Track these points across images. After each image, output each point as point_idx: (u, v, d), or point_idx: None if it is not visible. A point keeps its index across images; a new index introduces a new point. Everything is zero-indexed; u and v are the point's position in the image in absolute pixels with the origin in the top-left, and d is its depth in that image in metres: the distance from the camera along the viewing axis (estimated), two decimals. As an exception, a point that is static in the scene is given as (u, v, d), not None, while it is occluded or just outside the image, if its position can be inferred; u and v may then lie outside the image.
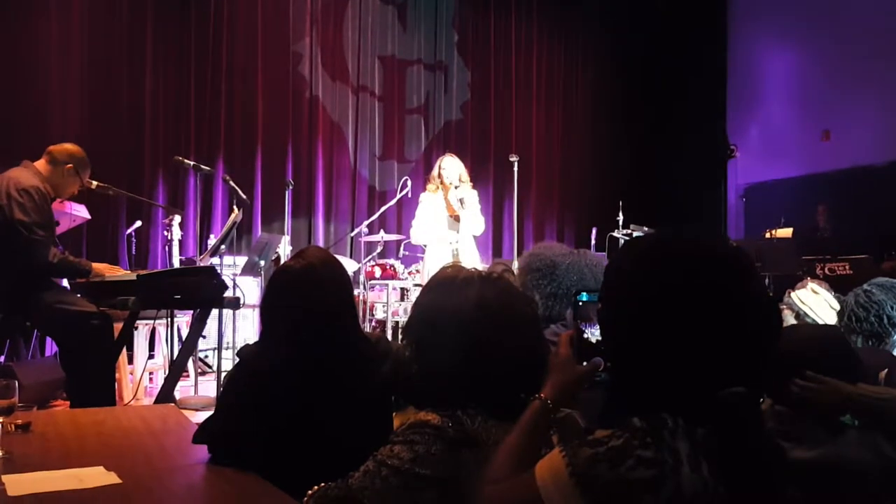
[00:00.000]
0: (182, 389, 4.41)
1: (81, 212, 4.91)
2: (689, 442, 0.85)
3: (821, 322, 2.81)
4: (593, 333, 1.17)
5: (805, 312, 2.92)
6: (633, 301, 0.94)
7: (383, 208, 6.19)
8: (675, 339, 0.89)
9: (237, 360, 1.95)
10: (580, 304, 1.21)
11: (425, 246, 5.41)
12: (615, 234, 6.39)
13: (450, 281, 1.32)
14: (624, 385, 0.96)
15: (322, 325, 1.75)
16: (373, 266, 5.68)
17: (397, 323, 5.59)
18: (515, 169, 5.35)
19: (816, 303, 2.91)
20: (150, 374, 4.83)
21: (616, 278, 0.99)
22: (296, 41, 7.13)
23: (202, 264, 4.38)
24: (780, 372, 1.16)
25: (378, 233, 5.97)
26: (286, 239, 5.73)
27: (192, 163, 4.57)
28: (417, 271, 5.72)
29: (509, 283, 1.33)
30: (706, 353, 0.89)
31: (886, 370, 1.92)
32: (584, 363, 1.13)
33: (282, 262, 5.69)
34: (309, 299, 1.74)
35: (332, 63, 7.36)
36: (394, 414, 1.77)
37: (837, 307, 2.78)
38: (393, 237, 6.16)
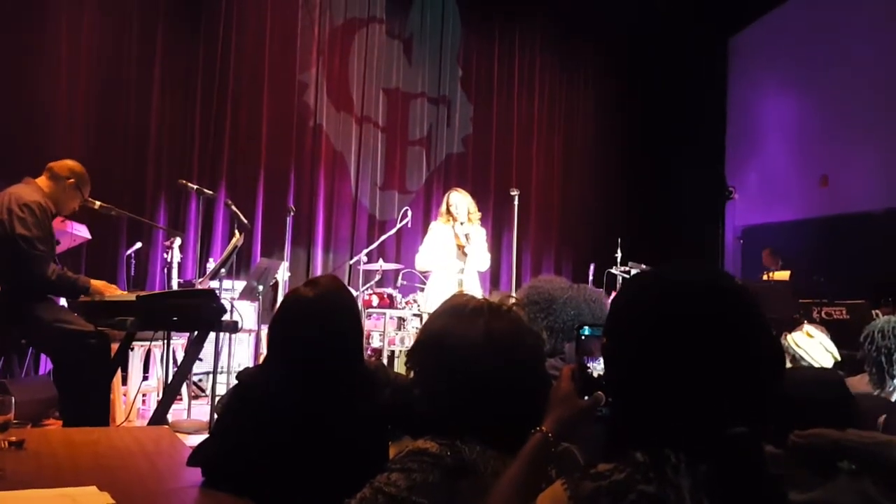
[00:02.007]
0: (175, 412, 4.38)
1: (82, 232, 4.93)
2: (691, 478, 0.85)
3: (816, 366, 2.82)
4: (595, 368, 1.18)
5: (801, 356, 2.92)
6: (637, 335, 0.95)
7: (383, 237, 6.21)
8: (679, 373, 0.90)
9: (236, 382, 1.94)
10: (582, 337, 1.21)
11: (426, 275, 5.42)
12: (613, 270, 6.42)
13: (459, 309, 1.33)
14: (626, 419, 0.96)
15: (327, 354, 1.76)
16: (370, 295, 5.68)
17: (393, 352, 5.58)
18: (516, 203, 5.39)
19: (812, 346, 2.91)
20: (144, 395, 4.80)
21: (621, 312, 1.00)
22: (302, 71, 7.24)
23: (201, 287, 4.39)
24: (778, 414, 1.17)
25: (377, 262, 5.98)
26: (285, 265, 5.74)
27: (195, 186, 4.60)
28: (415, 301, 5.72)
29: (518, 315, 1.34)
30: (709, 389, 0.90)
31: (885, 416, 1.92)
32: (586, 398, 1.14)
33: (280, 287, 5.74)
34: (317, 328, 1.75)
35: (337, 93, 7.46)
36: (390, 443, 1.77)
37: (834, 351, 2.79)
38: (392, 266, 6.18)
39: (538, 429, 1.14)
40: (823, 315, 6.00)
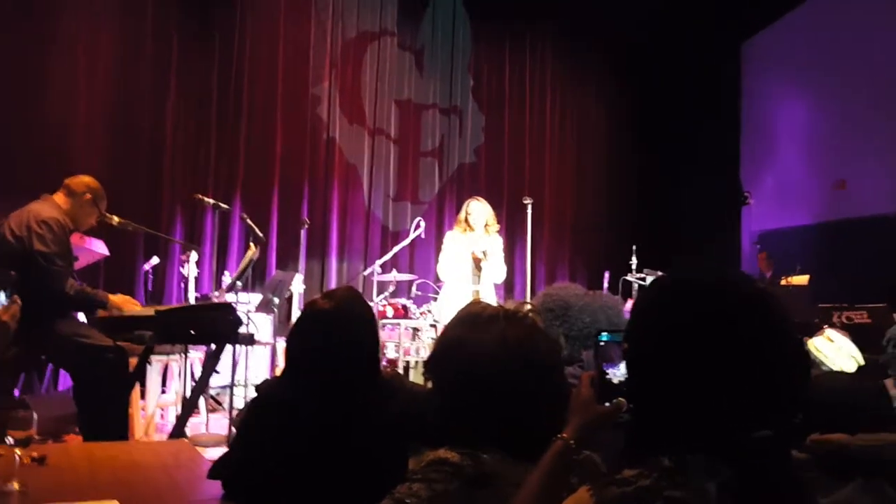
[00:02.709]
0: (192, 426, 4.39)
1: (100, 248, 4.97)
2: (717, 483, 0.84)
3: (836, 370, 2.78)
4: (615, 374, 1.17)
5: (821, 361, 2.88)
6: (659, 339, 0.94)
7: (396, 248, 6.22)
8: (702, 377, 0.90)
9: (255, 394, 1.95)
10: (601, 343, 1.20)
11: (439, 285, 5.42)
12: (629, 278, 6.38)
13: (476, 317, 1.33)
14: (649, 425, 0.95)
15: (344, 364, 1.76)
16: (385, 305, 5.68)
17: (408, 363, 5.57)
18: (529, 211, 5.38)
19: (833, 351, 2.87)
20: (162, 410, 4.82)
21: (643, 317, 1.00)
22: (315, 84, 7.29)
23: (218, 300, 4.41)
24: (811, 420, 1.16)
25: (391, 272, 5.99)
26: (299, 277, 5.76)
27: (211, 201, 4.64)
28: (429, 311, 5.72)
29: (534, 322, 1.34)
30: (734, 393, 0.89)
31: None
32: (606, 404, 1.13)
33: (294, 299, 5.76)
34: (333, 338, 1.75)
35: (350, 106, 7.50)
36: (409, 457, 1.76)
37: (857, 355, 2.75)
38: (405, 277, 6.18)
39: (559, 436, 1.13)
40: (844, 319, 5.92)
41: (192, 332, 3.27)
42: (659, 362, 0.93)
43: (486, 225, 5.20)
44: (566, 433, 1.13)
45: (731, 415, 0.89)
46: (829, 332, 2.90)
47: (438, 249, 5.75)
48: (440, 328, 5.34)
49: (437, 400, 1.33)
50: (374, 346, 1.87)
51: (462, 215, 5.28)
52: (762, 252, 7.47)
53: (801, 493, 0.92)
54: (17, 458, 1.85)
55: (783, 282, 6.44)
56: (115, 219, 3.81)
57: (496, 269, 5.16)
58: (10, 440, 1.89)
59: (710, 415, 0.89)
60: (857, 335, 3.23)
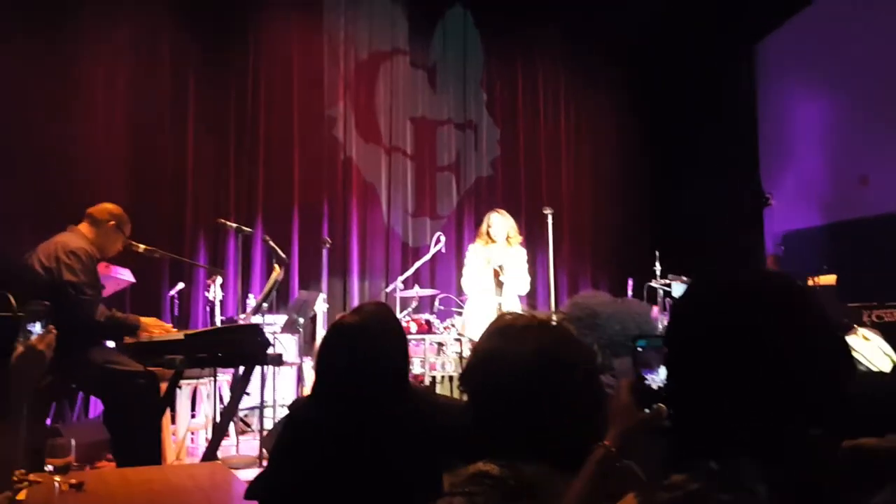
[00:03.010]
0: (222, 449, 4.40)
1: (126, 275, 5.03)
2: (768, 485, 0.83)
3: (874, 369, 2.73)
4: (654, 380, 1.16)
5: (857, 360, 2.84)
6: (702, 342, 0.93)
7: (418, 263, 6.23)
8: (747, 378, 0.89)
9: (287, 413, 1.96)
10: (639, 350, 1.20)
11: (462, 299, 5.41)
12: (653, 284, 6.33)
13: (509, 328, 1.32)
14: (694, 429, 0.94)
15: (372, 378, 1.76)
16: (408, 321, 5.68)
17: (434, 378, 5.56)
18: (550, 221, 5.36)
19: (869, 350, 2.83)
20: (192, 433, 4.85)
21: (683, 320, 0.99)
22: (330, 106, 7.37)
23: (244, 323, 4.44)
24: (860, 420, 1.14)
25: (413, 288, 5.99)
26: (322, 296, 5.79)
27: (234, 225, 4.69)
28: (453, 325, 5.71)
29: (568, 330, 1.33)
30: (780, 392, 0.88)
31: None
32: (646, 410, 1.12)
33: (318, 319, 5.78)
34: (361, 352, 1.75)
35: (365, 125, 7.57)
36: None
37: (892, 353, 2.71)
38: (428, 292, 6.18)
39: (601, 443, 1.12)
40: (874, 318, 5.83)
41: (221, 354, 3.29)
42: (703, 365, 0.93)
43: (507, 237, 5.19)
44: (608, 440, 1.12)
45: (778, 414, 0.88)
46: (863, 330, 2.85)
47: (459, 263, 5.76)
48: (465, 342, 5.33)
49: (473, 413, 1.33)
50: (403, 359, 1.87)
51: (483, 228, 5.28)
52: (770, 256, 7.40)
53: (853, 491, 0.91)
54: (56, 485, 1.87)
55: (810, 282, 6.35)
56: (142, 246, 3.86)
57: (519, 281, 5.14)
58: (49, 467, 1.92)
59: (756, 415, 0.88)
60: (888, 333, 3.18)
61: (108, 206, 3.71)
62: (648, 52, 8.55)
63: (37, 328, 2.17)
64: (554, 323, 1.33)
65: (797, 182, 8.49)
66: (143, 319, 3.53)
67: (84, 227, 3.61)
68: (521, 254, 5.25)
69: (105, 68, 6.31)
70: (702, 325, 0.95)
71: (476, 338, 4.30)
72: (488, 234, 5.18)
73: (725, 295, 0.96)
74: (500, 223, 5.18)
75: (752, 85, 8.93)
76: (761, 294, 0.93)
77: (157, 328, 3.53)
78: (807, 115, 8.44)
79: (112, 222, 3.62)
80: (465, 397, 1.38)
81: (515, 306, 5.20)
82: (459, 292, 5.95)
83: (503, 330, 1.33)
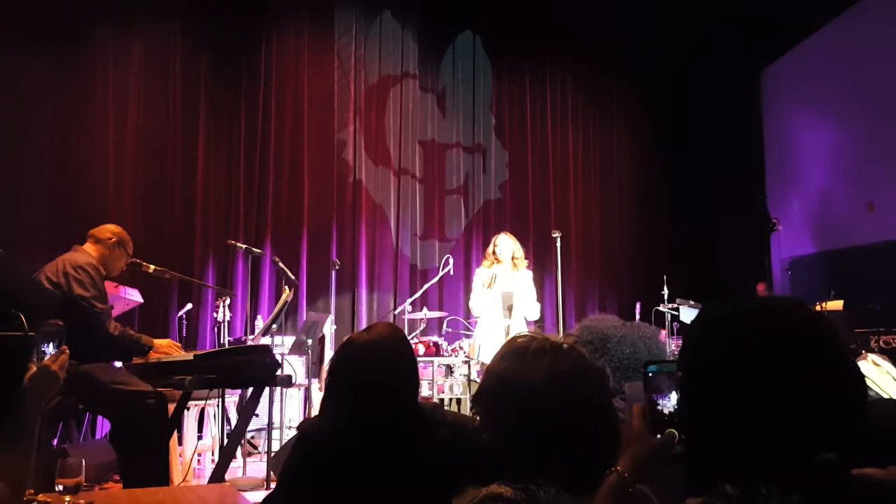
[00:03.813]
0: (229, 470, 4.38)
1: (135, 296, 5.06)
2: None
3: (885, 396, 2.72)
4: (665, 405, 1.17)
5: (867, 386, 2.82)
6: (716, 367, 0.94)
7: (426, 286, 6.25)
8: (762, 403, 0.89)
9: (297, 433, 1.96)
10: (650, 375, 1.20)
11: (471, 321, 5.41)
12: (661, 308, 6.32)
13: (522, 350, 1.33)
14: (708, 454, 0.95)
15: (380, 399, 1.77)
16: (416, 343, 5.69)
17: (442, 400, 5.54)
18: (559, 245, 5.37)
19: (879, 375, 2.81)
20: (199, 455, 4.84)
21: (697, 345, 1.00)
22: (340, 129, 7.44)
23: (253, 344, 4.45)
24: (869, 447, 1.14)
25: (421, 310, 6.00)
26: (331, 318, 5.80)
27: (244, 246, 4.71)
28: (461, 348, 5.71)
29: (581, 354, 1.34)
30: (794, 417, 0.88)
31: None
32: (658, 436, 1.12)
33: (326, 340, 5.79)
34: (371, 370, 1.76)
35: (375, 148, 7.63)
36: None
37: (903, 380, 2.69)
38: (436, 314, 6.18)
39: (613, 469, 1.12)
40: (882, 344, 5.80)
41: (231, 375, 3.29)
42: (717, 391, 0.93)
43: (513, 258, 5.20)
44: (620, 466, 1.12)
45: (792, 439, 0.88)
46: (873, 356, 2.84)
47: (467, 286, 5.77)
48: (473, 364, 5.32)
49: (486, 436, 1.33)
50: (414, 378, 1.88)
51: (490, 249, 5.30)
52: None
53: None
54: (67, 504, 1.87)
55: (818, 307, 6.33)
56: (152, 267, 3.88)
57: (528, 306, 5.14)
58: (59, 487, 1.92)
59: (771, 440, 0.89)
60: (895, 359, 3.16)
61: (109, 225, 3.78)
62: (657, 78, 8.62)
63: (50, 349, 2.19)
64: (566, 346, 1.34)
65: (804, 208, 8.50)
66: (157, 341, 3.55)
67: (88, 246, 3.65)
68: (528, 276, 5.26)
69: (116, 88, 6.41)
70: (716, 351, 0.96)
71: (486, 360, 4.30)
72: (494, 254, 5.19)
73: (738, 322, 0.96)
74: (507, 244, 5.20)
75: (759, 111, 8.98)
76: (776, 321, 0.94)
77: (170, 350, 3.54)
78: (813, 141, 8.46)
79: (113, 239, 3.66)
80: (477, 419, 1.38)
81: (524, 329, 5.20)
82: (468, 315, 5.95)
83: (517, 352, 1.34)
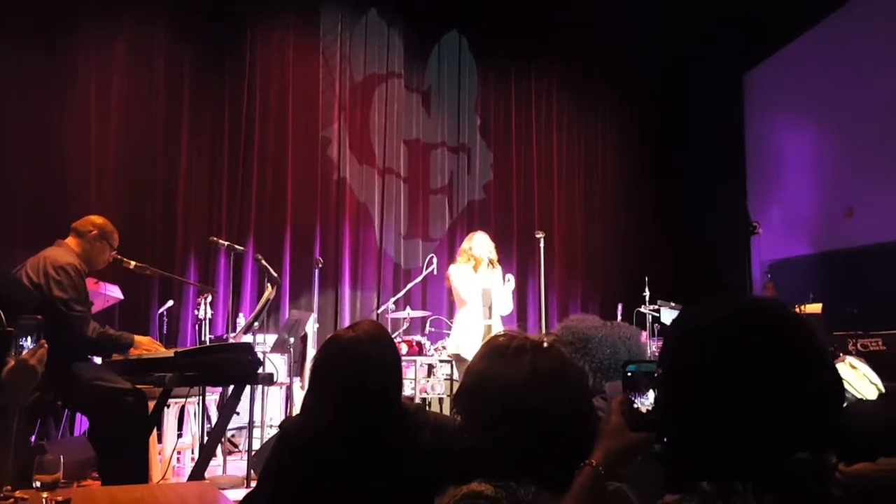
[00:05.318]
0: (209, 469, 4.36)
1: (115, 292, 5.01)
2: None
3: (861, 398, 2.76)
4: (642, 403, 1.18)
5: (844, 388, 2.87)
6: (697, 368, 0.95)
7: (410, 285, 6.25)
8: (742, 404, 0.91)
9: (278, 431, 1.96)
10: (629, 374, 1.22)
11: (451, 320, 5.41)
12: (642, 309, 6.37)
13: (502, 350, 1.34)
14: (687, 452, 0.96)
15: (364, 396, 1.77)
16: (399, 342, 5.68)
17: (425, 399, 5.55)
18: (542, 245, 5.39)
19: (856, 378, 2.86)
20: (178, 453, 4.80)
21: (678, 346, 1.01)
22: (325, 127, 7.42)
23: (234, 342, 4.43)
24: (847, 448, 1.16)
25: (404, 309, 6.00)
26: (314, 317, 5.78)
27: (226, 243, 4.68)
28: (443, 347, 5.71)
29: (561, 352, 1.35)
30: (772, 417, 0.90)
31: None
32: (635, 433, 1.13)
33: (309, 339, 5.77)
34: (353, 370, 1.76)
35: (360, 147, 7.62)
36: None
37: (878, 382, 2.74)
38: (419, 314, 6.18)
39: (587, 462, 1.13)
40: (859, 347, 5.88)
41: (212, 373, 3.27)
42: (696, 391, 0.94)
43: (489, 258, 5.16)
44: (594, 459, 1.12)
45: (769, 439, 0.90)
46: (850, 359, 2.88)
47: (450, 286, 5.74)
48: (455, 363, 5.32)
49: (467, 434, 1.34)
50: (397, 376, 1.88)
51: (466, 245, 5.20)
52: (770, 282, 7.49)
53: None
54: (44, 502, 1.86)
55: (797, 310, 6.41)
56: (133, 263, 3.84)
57: (503, 303, 5.11)
58: (37, 484, 1.90)
59: (748, 440, 0.90)
60: (872, 363, 3.22)
61: (92, 217, 3.70)
62: (642, 81, 8.68)
63: (28, 343, 2.17)
64: (546, 345, 1.35)
65: (784, 212, 8.60)
66: (138, 338, 3.51)
67: (70, 240, 3.60)
68: (497, 272, 5.18)
69: (99, 84, 6.34)
70: (695, 351, 0.97)
71: (467, 358, 4.29)
72: (471, 251, 5.12)
73: (719, 323, 0.98)
74: (485, 243, 5.17)
75: (742, 115, 9.08)
76: (756, 322, 0.96)
77: (151, 347, 3.51)
78: (794, 146, 8.57)
79: (95, 232, 3.60)
80: (458, 417, 1.39)
81: (500, 328, 5.20)
82: (451, 314, 5.94)
83: (497, 352, 1.35)
